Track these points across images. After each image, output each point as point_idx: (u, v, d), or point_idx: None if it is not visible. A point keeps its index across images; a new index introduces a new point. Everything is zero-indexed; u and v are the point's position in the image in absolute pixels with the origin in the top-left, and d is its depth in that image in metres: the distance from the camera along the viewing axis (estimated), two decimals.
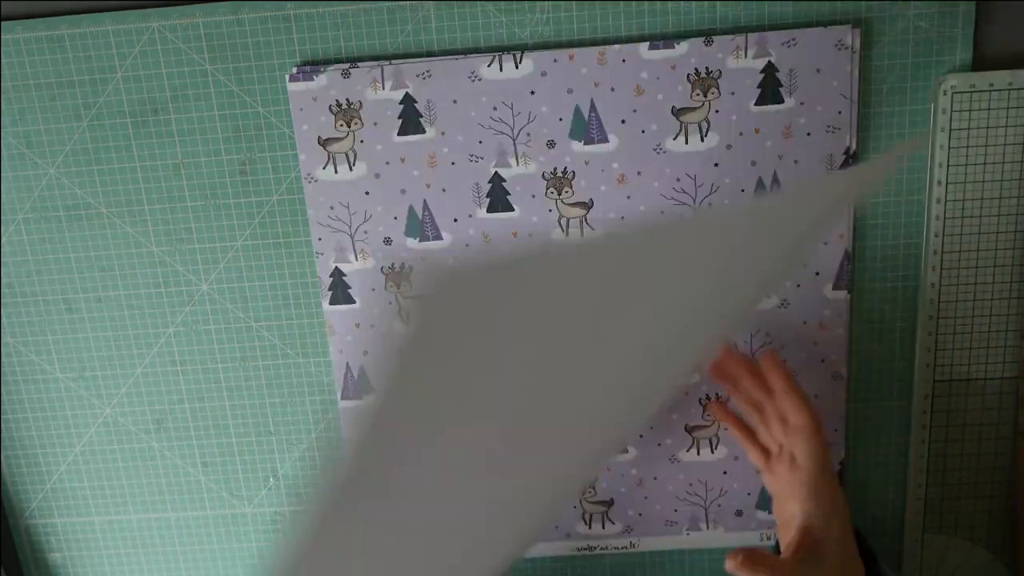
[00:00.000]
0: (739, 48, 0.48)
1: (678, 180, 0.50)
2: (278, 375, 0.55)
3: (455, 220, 0.52)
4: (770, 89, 0.49)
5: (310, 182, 0.51)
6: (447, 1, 0.48)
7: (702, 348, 0.32)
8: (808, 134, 0.49)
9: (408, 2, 0.48)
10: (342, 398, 0.55)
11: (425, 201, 0.51)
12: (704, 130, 0.49)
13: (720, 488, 0.55)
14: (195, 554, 0.59)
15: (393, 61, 0.49)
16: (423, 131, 0.50)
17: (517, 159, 0.50)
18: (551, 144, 0.50)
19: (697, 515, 0.56)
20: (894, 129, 0.49)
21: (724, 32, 0.48)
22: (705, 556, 0.57)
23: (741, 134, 0.49)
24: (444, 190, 0.51)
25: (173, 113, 0.50)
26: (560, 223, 0.51)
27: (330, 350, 0.54)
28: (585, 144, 0.50)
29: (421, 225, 0.52)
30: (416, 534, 0.30)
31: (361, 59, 0.49)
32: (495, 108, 0.50)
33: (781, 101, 0.49)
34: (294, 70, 0.49)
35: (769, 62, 0.48)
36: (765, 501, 0.56)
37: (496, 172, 0.51)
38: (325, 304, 0.53)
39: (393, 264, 0.52)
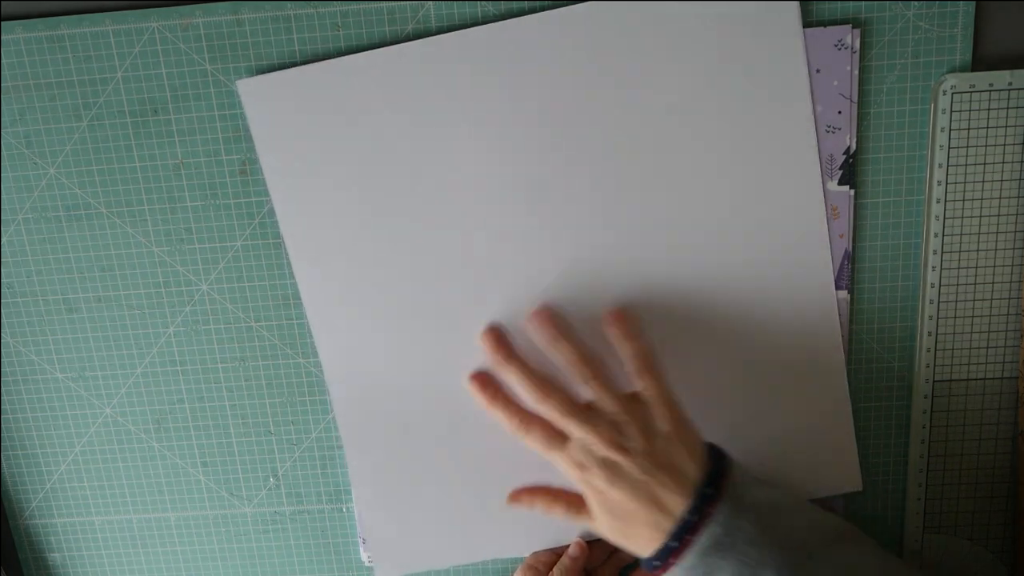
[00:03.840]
0: None
1: None
2: (278, 375, 0.55)
3: None
4: None
5: None
6: (447, 1, 0.48)
7: None
8: None
9: (408, 2, 0.48)
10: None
11: None
12: None
13: None
14: (195, 554, 0.59)
15: None
16: None
17: None
18: None
19: None
20: (894, 129, 0.49)
21: None
22: None
23: None
24: None
25: (173, 113, 0.50)
26: None
27: None
28: None
29: None
30: None
31: None
32: None
33: None
34: None
35: None
36: None
37: None
38: None
39: None
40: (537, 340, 0.49)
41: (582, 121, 0.48)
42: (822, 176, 0.49)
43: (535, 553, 0.55)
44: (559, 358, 0.48)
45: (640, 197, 0.49)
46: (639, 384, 0.48)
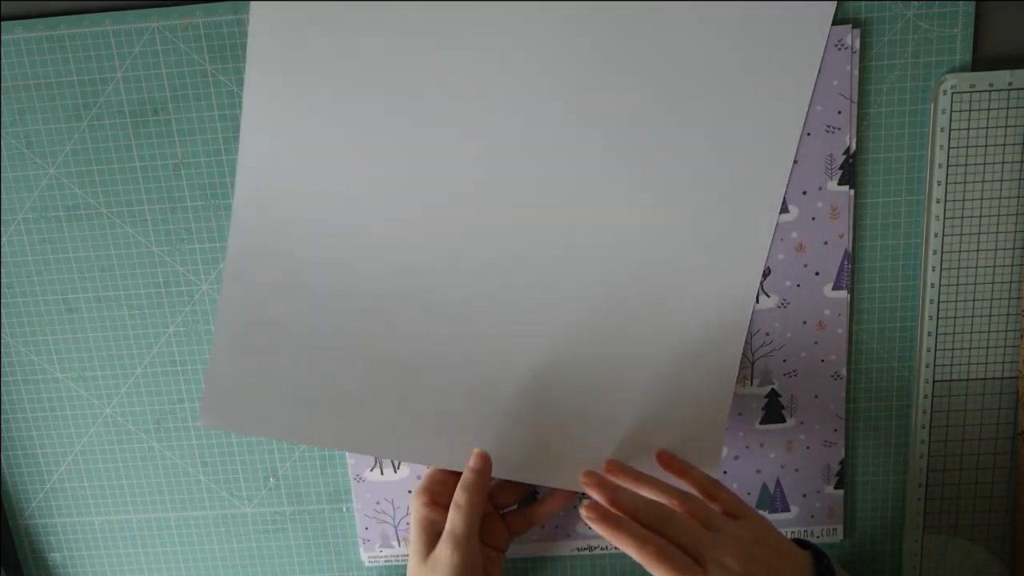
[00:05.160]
0: None
1: None
2: None
3: None
4: None
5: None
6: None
7: None
8: (808, 134, 0.49)
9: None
10: None
11: None
12: None
13: None
14: (195, 554, 0.59)
15: None
16: None
17: None
18: None
19: None
20: (894, 129, 0.49)
21: None
22: None
23: None
24: None
25: (173, 113, 0.50)
26: None
27: None
28: None
29: None
30: None
31: None
32: None
33: None
34: None
35: None
36: (765, 501, 0.56)
37: None
38: None
39: None
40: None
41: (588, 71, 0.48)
42: (788, 175, 0.49)
43: (429, 474, 0.52)
44: (650, 494, 0.47)
45: (612, 155, 0.49)
46: (720, 499, 0.48)
